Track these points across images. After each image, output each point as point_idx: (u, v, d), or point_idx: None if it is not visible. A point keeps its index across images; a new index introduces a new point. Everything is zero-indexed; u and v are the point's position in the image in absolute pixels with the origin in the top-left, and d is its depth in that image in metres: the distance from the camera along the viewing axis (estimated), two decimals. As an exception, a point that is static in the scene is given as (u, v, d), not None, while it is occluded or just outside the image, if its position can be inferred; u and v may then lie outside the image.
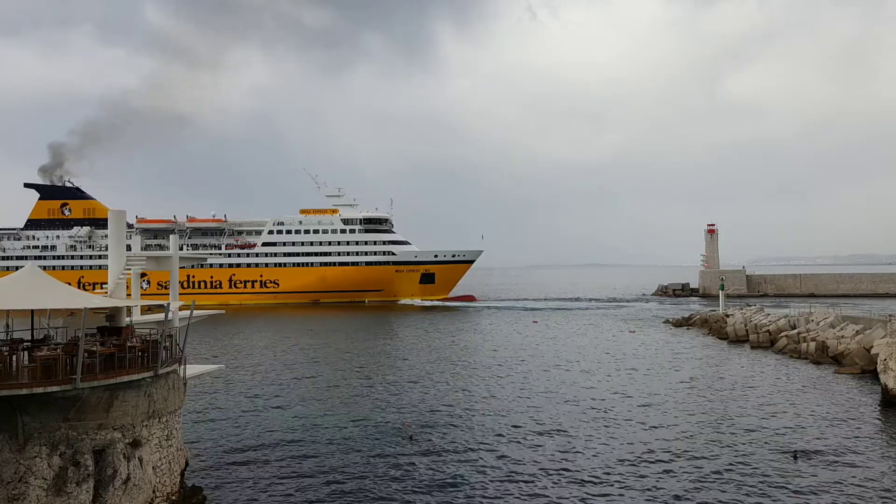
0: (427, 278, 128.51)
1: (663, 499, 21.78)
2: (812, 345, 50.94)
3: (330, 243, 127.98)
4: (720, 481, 23.23)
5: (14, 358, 17.74)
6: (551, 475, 24.17)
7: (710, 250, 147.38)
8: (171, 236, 27.81)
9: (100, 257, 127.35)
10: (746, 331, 63.34)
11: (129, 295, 24.90)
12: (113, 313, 22.68)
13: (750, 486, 22.66)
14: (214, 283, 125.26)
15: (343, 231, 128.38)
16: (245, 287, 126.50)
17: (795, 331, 57.45)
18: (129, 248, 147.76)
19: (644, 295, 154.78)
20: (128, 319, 23.40)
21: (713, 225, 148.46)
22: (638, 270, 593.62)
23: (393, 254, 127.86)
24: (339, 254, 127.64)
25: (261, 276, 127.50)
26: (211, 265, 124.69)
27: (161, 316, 24.76)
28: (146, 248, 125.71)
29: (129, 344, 19.83)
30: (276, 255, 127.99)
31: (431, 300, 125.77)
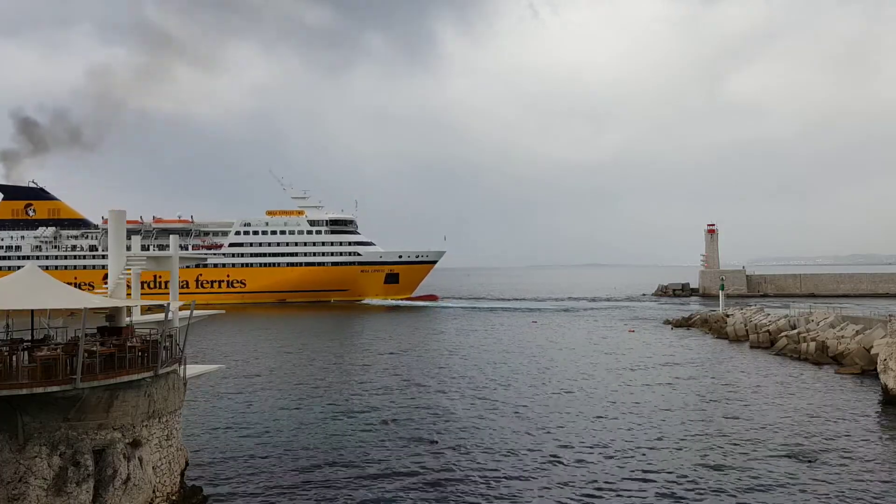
0: (391, 278, 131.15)
1: (664, 498, 21.78)
2: (812, 345, 50.93)
3: (297, 244, 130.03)
4: (720, 481, 23.21)
5: (14, 358, 17.74)
6: (549, 475, 24.16)
7: (710, 250, 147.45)
8: (171, 237, 27.83)
9: (65, 258, 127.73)
10: (746, 331, 63.34)
11: (129, 295, 24.90)
12: (113, 313, 22.69)
13: (750, 486, 22.64)
14: (181, 284, 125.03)
15: (309, 232, 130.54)
16: (212, 287, 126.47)
17: (795, 331, 57.43)
18: (94, 248, 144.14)
19: (644, 295, 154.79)
20: (128, 319, 23.42)
21: (713, 225, 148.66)
22: (638, 270, 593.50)
23: (358, 254, 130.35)
24: (305, 254, 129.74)
25: (227, 276, 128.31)
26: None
27: (161, 316, 24.77)
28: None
29: (129, 344, 19.84)
30: (242, 255, 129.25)
31: (395, 300, 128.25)
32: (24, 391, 16.97)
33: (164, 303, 24.56)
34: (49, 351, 18.48)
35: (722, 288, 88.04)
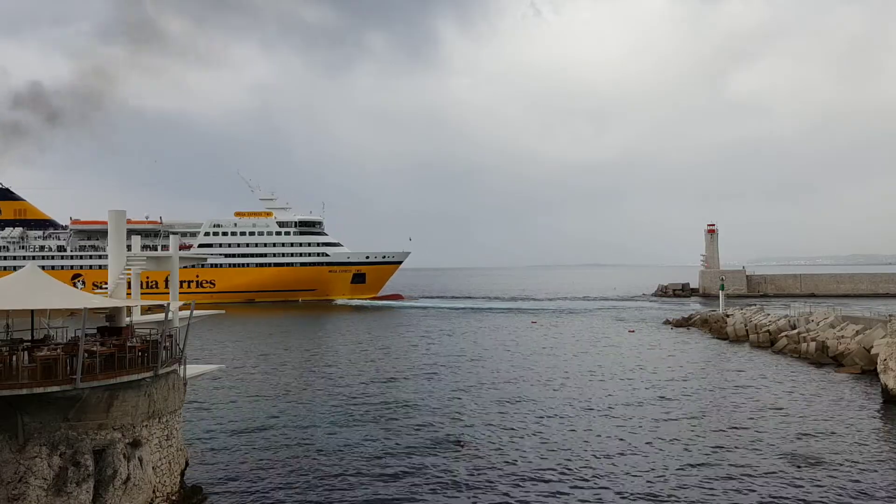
0: (358, 278, 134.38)
1: (662, 498, 21.79)
2: (812, 345, 50.93)
3: (266, 245, 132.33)
4: (719, 481, 23.22)
5: (14, 358, 17.76)
6: (547, 475, 24.16)
7: (710, 250, 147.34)
8: (171, 236, 27.89)
9: (33, 258, 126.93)
10: (746, 331, 63.34)
11: (129, 295, 24.93)
12: (113, 313, 22.72)
13: (749, 487, 22.64)
14: (150, 284, 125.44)
15: (278, 233, 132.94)
16: (181, 287, 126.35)
17: (795, 331, 57.44)
18: (63, 248, 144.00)
19: (644, 295, 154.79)
20: (128, 319, 23.44)
21: (713, 225, 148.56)
22: (638, 270, 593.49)
23: (326, 255, 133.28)
24: (274, 255, 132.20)
25: (197, 276, 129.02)
26: None
27: (161, 316, 24.79)
28: (81, 248, 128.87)
29: (129, 344, 19.86)
30: (212, 255, 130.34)
31: (362, 299, 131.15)
32: (25, 391, 16.99)
33: (164, 303, 24.58)
34: (49, 351, 18.50)
35: (722, 288, 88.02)
